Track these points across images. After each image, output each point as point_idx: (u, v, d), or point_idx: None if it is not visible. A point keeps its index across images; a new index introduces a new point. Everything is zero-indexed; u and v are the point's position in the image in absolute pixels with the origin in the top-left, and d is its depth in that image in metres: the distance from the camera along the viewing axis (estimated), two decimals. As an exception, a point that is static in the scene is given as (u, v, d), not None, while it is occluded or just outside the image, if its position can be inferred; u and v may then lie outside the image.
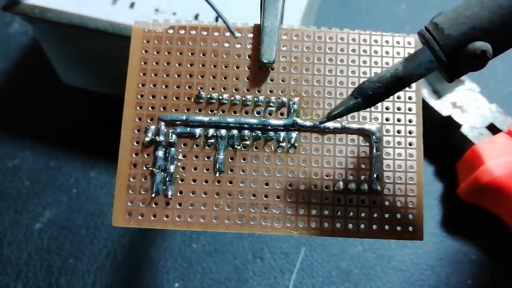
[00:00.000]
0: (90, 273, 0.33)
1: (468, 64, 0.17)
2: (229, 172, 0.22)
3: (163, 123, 0.22)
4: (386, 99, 0.20)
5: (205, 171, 0.22)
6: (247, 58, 0.23)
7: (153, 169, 0.22)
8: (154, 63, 0.23)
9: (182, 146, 0.22)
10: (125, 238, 0.35)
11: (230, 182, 0.22)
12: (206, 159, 0.22)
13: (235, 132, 0.22)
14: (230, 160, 0.22)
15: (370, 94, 0.18)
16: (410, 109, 0.23)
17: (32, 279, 0.33)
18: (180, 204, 0.22)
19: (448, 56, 0.17)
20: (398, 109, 0.23)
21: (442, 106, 0.36)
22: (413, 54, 0.18)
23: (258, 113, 0.22)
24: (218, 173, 0.22)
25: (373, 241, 0.35)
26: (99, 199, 0.36)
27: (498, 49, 0.17)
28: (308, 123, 0.22)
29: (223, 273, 0.33)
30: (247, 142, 0.22)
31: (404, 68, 0.18)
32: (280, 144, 0.22)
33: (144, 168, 0.22)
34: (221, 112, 0.22)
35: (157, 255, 0.34)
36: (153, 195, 0.21)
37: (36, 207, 0.36)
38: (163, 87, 0.22)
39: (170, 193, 0.21)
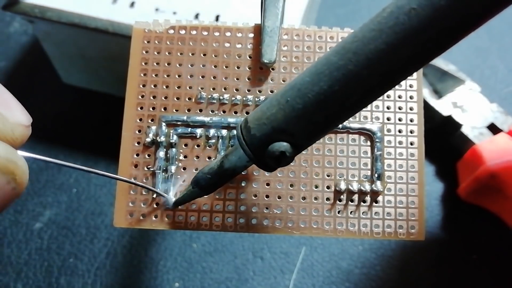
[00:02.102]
0: (90, 273, 0.33)
1: (273, 163, 0.17)
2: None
3: (164, 124, 0.22)
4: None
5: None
6: (248, 58, 0.23)
7: (154, 169, 0.22)
8: (155, 64, 0.23)
9: (183, 146, 0.22)
10: (125, 237, 0.35)
11: (231, 182, 0.22)
12: (207, 159, 0.22)
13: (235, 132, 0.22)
14: (231, 160, 0.22)
15: (203, 185, 0.20)
16: (411, 109, 0.23)
17: (32, 279, 0.33)
18: (181, 205, 0.22)
19: (255, 155, 0.17)
20: (400, 108, 0.23)
21: (443, 106, 0.36)
22: (234, 148, 0.19)
23: (259, 113, 0.22)
24: None
25: (373, 241, 0.35)
26: (99, 199, 0.36)
27: (300, 146, 0.17)
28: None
29: (223, 273, 0.33)
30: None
31: (228, 161, 0.19)
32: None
33: (145, 169, 0.22)
34: (222, 113, 0.22)
35: (157, 255, 0.34)
36: (154, 195, 0.21)
37: (36, 207, 0.36)
38: (164, 87, 0.22)
39: (171, 193, 0.21)
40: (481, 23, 0.15)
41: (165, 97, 0.22)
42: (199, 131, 0.22)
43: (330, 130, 0.20)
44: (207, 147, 0.22)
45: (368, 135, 0.22)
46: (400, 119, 0.22)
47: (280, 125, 0.17)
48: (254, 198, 0.21)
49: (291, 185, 0.22)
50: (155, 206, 0.21)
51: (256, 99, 0.22)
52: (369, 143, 0.22)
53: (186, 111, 0.22)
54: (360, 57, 0.15)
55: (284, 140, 0.17)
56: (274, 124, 0.17)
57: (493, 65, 0.42)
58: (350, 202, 0.22)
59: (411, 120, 0.22)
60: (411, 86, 0.23)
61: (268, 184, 0.22)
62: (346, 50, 0.16)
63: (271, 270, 0.34)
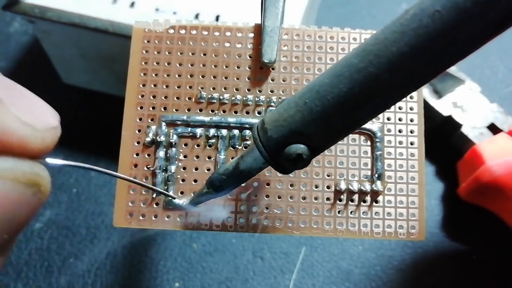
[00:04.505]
0: (90, 273, 0.33)
1: (289, 165, 0.17)
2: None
3: (164, 123, 0.22)
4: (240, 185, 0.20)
5: (206, 171, 0.22)
6: (248, 57, 0.23)
7: (154, 169, 0.22)
8: (155, 63, 0.22)
9: (183, 146, 0.22)
10: (125, 238, 0.35)
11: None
12: (207, 159, 0.22)
13: (236, 132, 0.22)
14: (231, 160, 0.22)
15: (218, 186, 0.19)
16: (411, 108, 0.23)
17: (32, 279, 0.33)
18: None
19: (271, 157, 0.17)
20: (400, 108, 0.23)
21: (443, 106, 0.36)
22: (250, 149, 0.19)
23: (259, 113, 0.22)
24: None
25: (373, 241, 0.35)
26: (99, 199, 0.36)
27: (317, 149, 0.17)
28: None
29: (223, 273, 0.33)
30: (248, 142, 0.22)
31: (244, 163, 0.19)
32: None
33: (145, 169, 0.22)
34: (222, 112, 0.22)
35: (157, 255, 0.34)
36: (154, 195, 0.21)
37: (36, 207, 0.36)
38: (164, 87, 0.22)
39: (171, 193, 0.21)
40: (506, 27, 0.14)
41: (165, 97, 0.22)
42: (199, 130, 0.22)
43: (348, 134, 0.19)
44: (207, 147, 0.22)
45: (368, 135, 0.22)
46: (400, 119, 0.22)
47: (298, 127, 0.17)
48: (254, 198, 0.21)
49: (291, 185, 0.22)
50: (155, 206, 0.21)
51: (256, 98, 0.22)
52: (369, 143, 0.22)
53: (186, 111, 0.22)
54: (382, 60, 0.15)
55: (301, 142, 0.17)
56: (292, 126, 0.17)
57: (493, 65, 0.42)
58: (350, 202, 0.22)
59: (411, 120, 0.22)
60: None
61: (268, 184, 0.22)
62: (367, 52, 0.15)
63: (271, 270, 0.34)
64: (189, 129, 0.22)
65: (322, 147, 0.18)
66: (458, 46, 0.15)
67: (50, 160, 0.15)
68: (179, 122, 0.22)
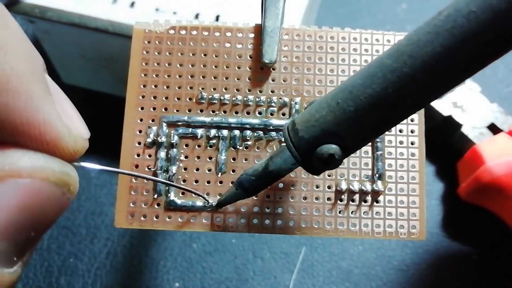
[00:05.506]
0: (90, 273, 0.33)
1: (321, 165, 0.17)
2: (231, 173, 0.22)
3: (164, 124, 0.22)
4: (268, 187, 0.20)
5: (207, 171, 0.22)
6: (249, 58, 0.23)
7: (155, 170, 0.22)
8: (155, 64, 0.22)
9: (184, 147, 0.22)
10: (125, 237, 0.35)
11: (233, 183, 0.22)
12: (208, 159, 0.22)
13: (237, 132, 0.22)
14: (232, 161, 0.22)
15: (247, 187, 0.20)
16: (412, 109, 0.23)
17: (32, 279, 0.33)
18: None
19: (302, 158, 0.17)
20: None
21: (443, 106, 0.36)
22: (280, 150, 0.19)
23: (259, 113, 0.22)
24: (220, 173, 0.22)
25: (373, 241, 0.35)
26: (99, 199, 0.36)
27: (349, 150, 0.17)
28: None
29: (223, 273, 0.33)
30: (249, 143, 0.22)
31: (273, 163, 0.19)
32: (282, 144, 0.22)
33: (146, 169, 0.22)
34: (222, 113, 0.22)
35: (157, 255, 0.34)
36: (155, 196, 0.21)
37: (36, 207, 0.36)
38: (165, 88, 0.22)
39: (172, 194, 0.21)
40: None
41: (166, 98, 0.22)
42: (200, 131, 0.22)
43: (380, 134, 0.19)
44: (208, 148, 0.22)
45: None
46: (400, 119, 0.22)
47: (330, 128, 0.17)
48: (254, 198, 0.21)
49: (292, 185, 0.22)
50: (156, 206, 0.21)
51: (257, 99, 0.22)
52: (369, 142, 0.22)
53: (187, 112, 0.22)
54: (416, 60, 0.15)
55: (333, 142, 0.17)
56: (324, 127, 0.17)
57: (493, 65, 0.42)
58: (351, 202, 0.22)
59: (412, 120, 0.22)
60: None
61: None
62: (400, 52, 0.15)
63: (271, 270, 0.34)
64: (190, 129, 0.22)
65: (354, 148, 0.18)
66: (493, 46, 0.15)
67: (83, 164, 0.16)
68: (180, 123, 0.22)
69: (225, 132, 0.22)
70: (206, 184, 0.22)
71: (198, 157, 0.22)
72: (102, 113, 0.39)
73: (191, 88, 0.22)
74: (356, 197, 0.22)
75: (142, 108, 0.22)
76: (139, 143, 0.22)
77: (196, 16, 0.32)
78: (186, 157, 0.22)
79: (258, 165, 0.19)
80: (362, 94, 0.16)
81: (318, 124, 0.17)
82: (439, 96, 0.17)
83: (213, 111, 0.22)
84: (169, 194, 0.21)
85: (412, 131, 0.22)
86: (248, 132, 0.22)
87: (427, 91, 0.16)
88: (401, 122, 0.22)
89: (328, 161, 0.17)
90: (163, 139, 0.22)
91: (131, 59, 0.22)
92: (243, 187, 0.20)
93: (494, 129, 0.35)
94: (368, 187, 0.22)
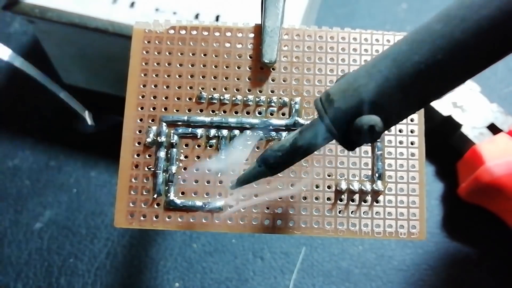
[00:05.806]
0: (90, 273, 0.33)
1: (359, 138, 0.16)
2: (231, 173, 0.22)
3: (164, 124, 0.22)
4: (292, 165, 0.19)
5: (207, 171, 0.22)
6: (248, 58, 0.23)
7: (155, 170, 0.22)
8: (155, 64, 0.23)
9: (184, 146, 0.22)
10: (125, 237, 0.35)
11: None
12: (207, 159, 0.22)
13: (237, 132, 0.22)
14: (232, 161, 0.22)
15: (271, 163, 0.18)
16: (411, 109, 0.23)
17: (32, 279, 0.33)
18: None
19: (338, 130, 0.16)
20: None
21: (443, 106, 0.36)
22: (310, 123, 0.18)
23: (259, 113, 0.22)
24: (220, 173, 0.22)
25: (373, 241, 0.35)
26: (100, 199, 0.36)
27: (389, 122, 0.16)
28: (310, 123, 0.22)
29: (223, 273, 0.33)
30: (249, 143, 0.22)
31: (302, 138, 0.17)
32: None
33: (146, 169, 0.22)
34: (222, 113, 0.22)
35: (157, 255, 0.34)
36: (155, 196, 0.21)
37: (36, 207, 0.36)
38: (164, 87, 0.22)
39: (172, 193, 0.21)
40: None
41: (166, 97, 0.22)
42: (199, 131, 0.22)
43: (424, 106, 0.18)
44: (208, 147, 0.22)
45: (369, 135, 0.22)
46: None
47: (370, 97, 0.15)
48: (255, 198, 0.21)
49: (292, 185, 0.22)
50: (156, 206, 0.21)
51: (257, 99, 0.22)
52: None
53: (187, 111, 0.22)
54: (469, 24, 0.14)
55: (373, 113, 0.15)
56: (364, 96, 0.15)
57: (493, 65, 0.42)
58: (351, 202, 0.22)
59: (412, 120, 0.22)
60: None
61: (268, 184, 0.22)
62: (451, 17, 0.14)
63: (271, 270, 0.34)
64: (190, 129, 0.22)
65: (395, 119, 0.16)
66: None
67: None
68: (179, 123, 0.22)
69: (225, 132, 0.22)
70: (206, 184, 0.22)
71: (198, 157, 0.22)
72: (102, 113, 0.39)
73: (191, 88, 0.22)
74: (356, 197, 0.22)
75: (142, 108, 0.22)
76: (139, 143, 0.22)
77: (196, 16, 0.32)
78: (186, 157, 0.22)
79: (284, 140, 0.18)
80: (407, 61, 0.15)
81: (357, 94, 0.16)
82: (491, 64, 0.15)
83: (213, 111, 0.22)
84: (168, 194, 0.21)
85: (412, 131, 0.22)
86: (248, 132, 0.22)
87: (480, 58, 0.15)
88: (401, 122, 0.22)
89: (368, 133, 0.15)
90: (163, 138, 0.22)
91: (131, 59, 0.22)
92: (267, 163, 0.18)
93: (494, 129, 0.35)
94: (368, 187, 0.22)
